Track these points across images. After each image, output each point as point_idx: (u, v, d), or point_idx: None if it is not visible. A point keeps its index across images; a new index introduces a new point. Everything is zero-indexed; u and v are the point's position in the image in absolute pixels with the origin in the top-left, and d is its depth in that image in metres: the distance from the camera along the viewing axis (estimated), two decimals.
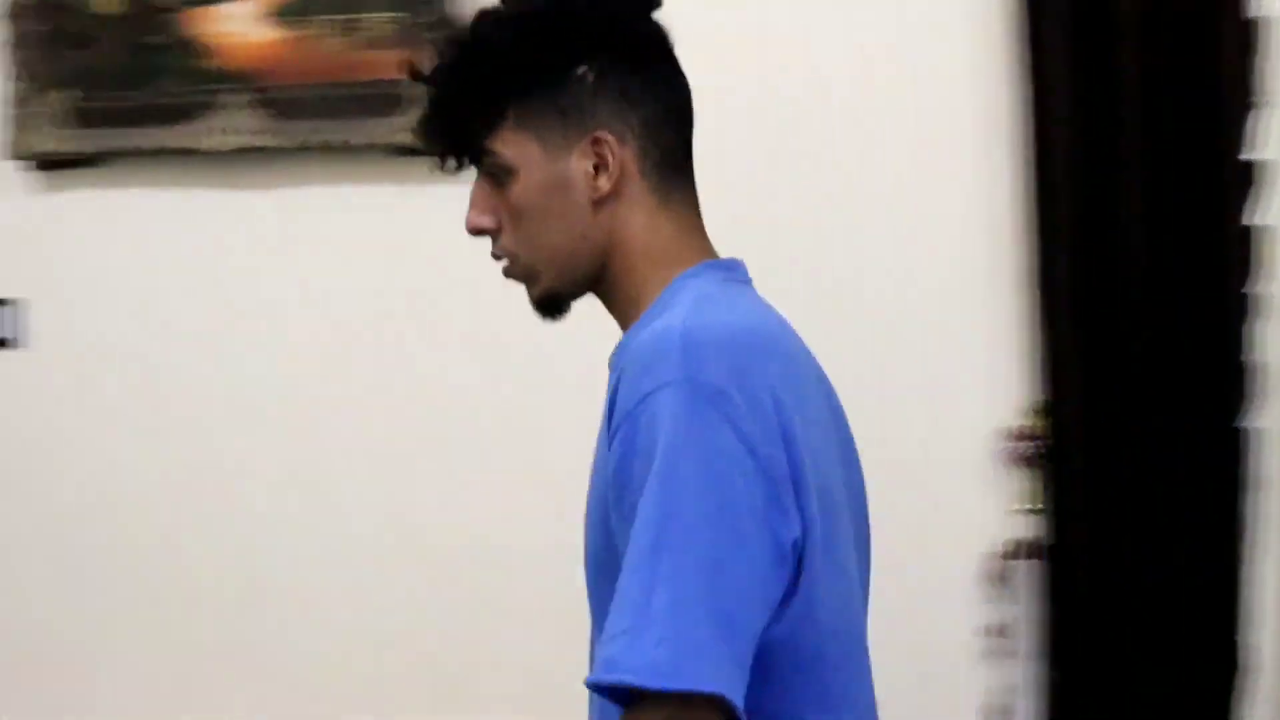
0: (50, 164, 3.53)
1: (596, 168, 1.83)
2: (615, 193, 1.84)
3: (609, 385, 1.75)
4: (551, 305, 1.90)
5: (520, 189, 1.84)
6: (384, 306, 3.43)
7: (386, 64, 3.27)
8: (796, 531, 1.67)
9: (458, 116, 1.85)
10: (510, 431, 3.39)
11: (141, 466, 3.53)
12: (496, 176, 1.85)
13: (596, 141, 1.83)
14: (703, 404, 1.65)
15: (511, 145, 1.84)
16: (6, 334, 3.59)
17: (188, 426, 3.52)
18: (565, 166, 1.84)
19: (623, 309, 1.87)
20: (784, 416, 1.69)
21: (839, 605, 1.75)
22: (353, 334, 3.44)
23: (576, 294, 1.89)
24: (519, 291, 1.90)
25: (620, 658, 1.60)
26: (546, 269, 1.87)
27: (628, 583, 1.63)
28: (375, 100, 3.29)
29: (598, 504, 1.77)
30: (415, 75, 1.87)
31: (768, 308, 1.87)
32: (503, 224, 1.87)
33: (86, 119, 3.48)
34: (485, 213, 1.87)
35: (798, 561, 1.68)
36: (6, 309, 3.59)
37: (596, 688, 1.62)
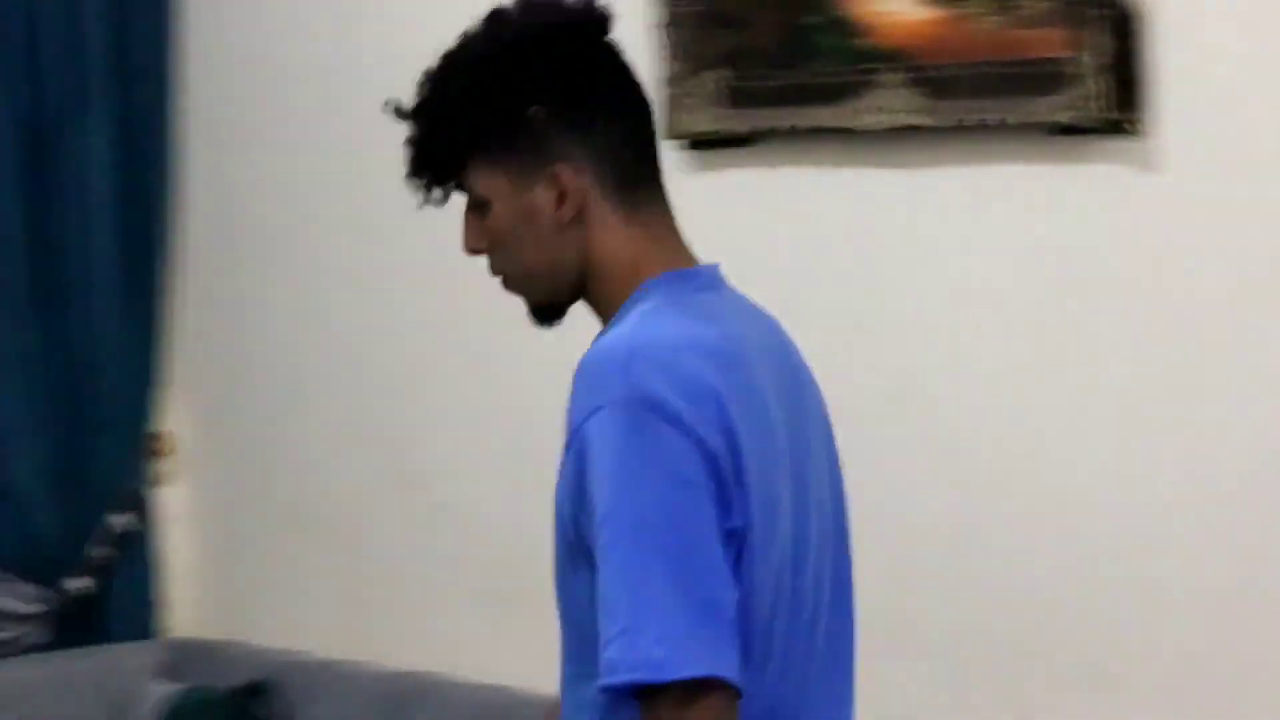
0: (703, 144, 3.54)
1: (559, 197, 2.01)
2: (579, 217, 2.01)
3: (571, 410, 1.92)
4: (543, 315, 2.11)
5: (495, 218, 2.05)
6: (1039, 295, 3.28)
7: (1045, 42, 3.14)
8: (738, 524, 1.85)
9: (432, 156, 2.06)
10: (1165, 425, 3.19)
11: None
12: (477, 206, 2.05)
13: (554, 175, 2.00)
14: (645, 414, 1.83)
15: (483, 180, 2.04)
16: None
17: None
18: (532, 197, 2.02)
19: (606, 318, 2.04)
20: (727, 420, 1.86)
21: (767, 607, 1.89)
22: (1019, 320, 3.29)
23: (566, 305, 2.09)
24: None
25: (621, 659, 1.79)
26: (531, 286, 2.08)
27: (611, 590, 1.82)
28: (1034, 79, 3.16)
29: (560, 507, 1.96)
30: (397, 113, 2.07)
31: (725, 315, 2.02)
32: (489, 246, 2.07)
33: (739, 99, 3.47)
34: (473, 237, 2.08)
35: (737, 554, 1.85)
36: None
37: (608, 690, 1.80)
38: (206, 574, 4.49)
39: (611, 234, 2.03)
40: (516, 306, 3.77)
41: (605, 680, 1.80)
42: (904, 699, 3.31)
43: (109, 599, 4.38)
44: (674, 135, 3.53)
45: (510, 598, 3.87)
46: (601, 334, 2.00)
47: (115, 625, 4.38)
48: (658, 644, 1.77)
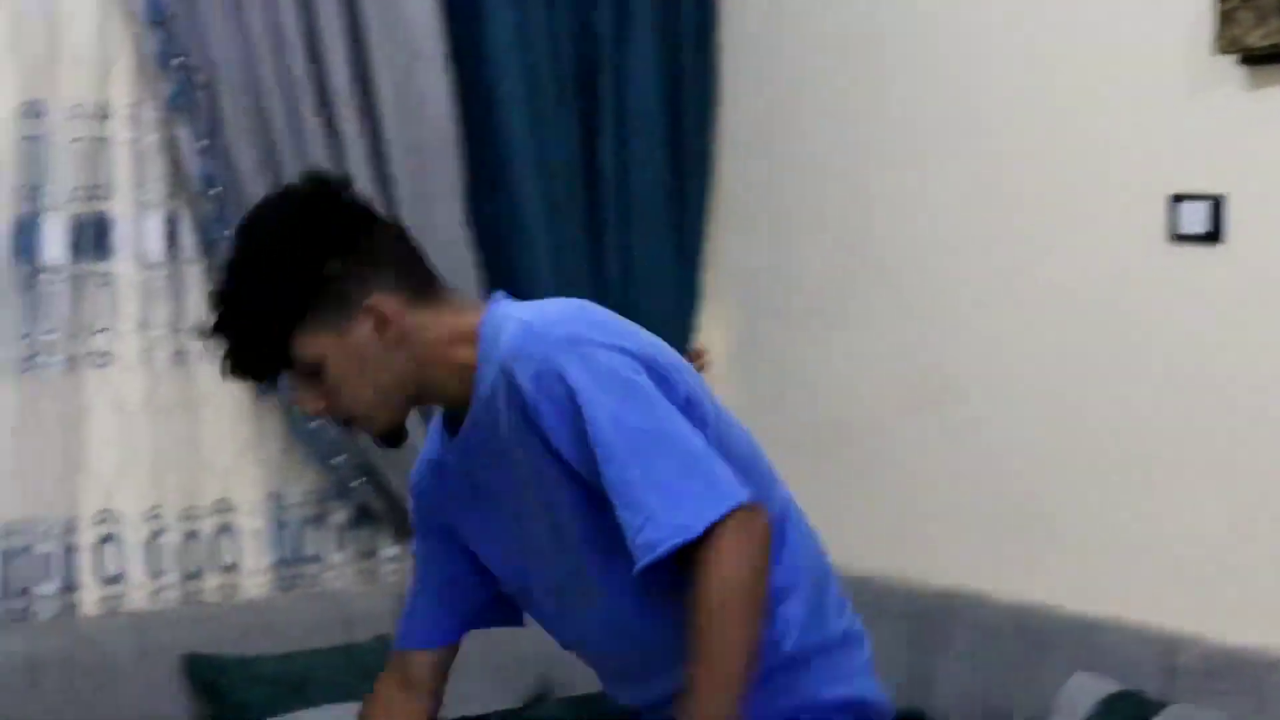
0: (1257, 58, 3.42)
1: (378, 324, 2.27)
2: (401, 333, 2.28)
3: (492, 411, 2.27)
4: (392, 439, 2.35)
5: (331, 371, 2.28)
6: None
7: None
8: (680, 399, 2.23)
9: (258, 359, 2.29)
10: None
11: None
12: (310, 372, 2.28)
13: (367, 310, 2.27)
14: (573, 346, 2.21)
15: (310, 345, 2.27)
16: (1211, 228, 3.55)
17: None
18: (357, 337, 2.28)
19: (455, 394, 2.31)
20: (642, 340, 2.28)
21: (726, 443, 2.27)
22: None
23: (405, 417, 2.34)
24: None
25: (657, 537, 2.15)
26: (377, 416, 2.33)
27: (624, 491, 2.17)
28: None
29: (555, 465, 2.25)
30: (203, 334, 2.30)
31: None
32: (329, 400, 2.30)
33: None
34: (313, 401, 2.31)
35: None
36: (1211, 204, 3.54)
37: (655, 561, 2.14)
38: None
39: (433, 328, 2.30)
40: (1054, 222, 3.76)
41: (655, 555, 2.15)
42: None
43: None
44: (1227, 49, 3.42)
45: (1039, 516, 3.84)
46: (483, 369, 2.28)
47: None
48: (676, 513, 2.15)
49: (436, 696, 2.51)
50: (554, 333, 2.23)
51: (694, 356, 4.51)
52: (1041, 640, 3.72)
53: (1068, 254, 3.77)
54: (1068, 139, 3.75)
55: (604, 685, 2.50)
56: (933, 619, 3.93)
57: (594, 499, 2.23)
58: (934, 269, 4.03)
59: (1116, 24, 3.66)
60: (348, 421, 2.35)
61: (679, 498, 2.15)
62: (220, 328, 2.28)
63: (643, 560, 2.15)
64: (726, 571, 2.14)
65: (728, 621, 2.15)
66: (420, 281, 2.33)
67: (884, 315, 4.15)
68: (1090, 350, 3.73)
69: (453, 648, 2.52)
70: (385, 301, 2.27)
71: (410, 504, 2.52)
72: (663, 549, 2.14)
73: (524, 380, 2.22)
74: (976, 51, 3.93)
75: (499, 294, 2.38)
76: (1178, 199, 3.58)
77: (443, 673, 2.51)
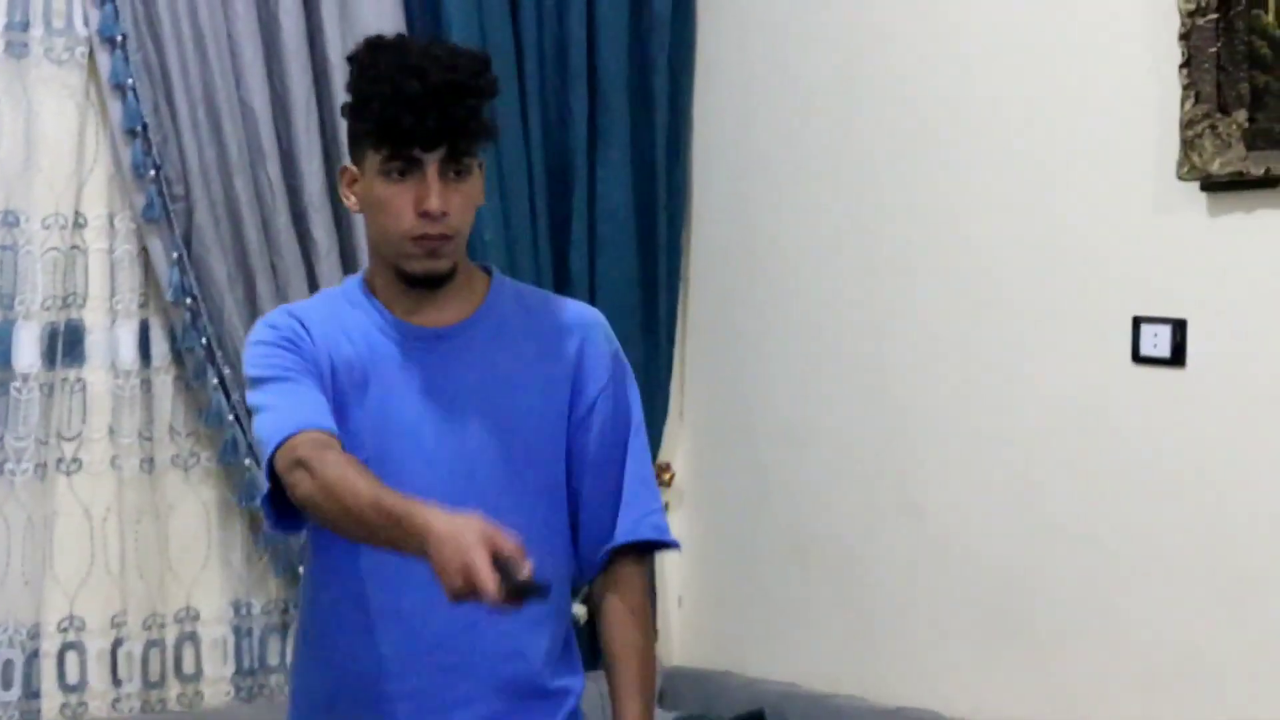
0: (1218, 185, 3.48)
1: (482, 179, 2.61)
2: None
3: (569, 343, 2.65)
4: (445, 278, 2.58)
5: (473, 183, 2.55)
6: None
7: None
8: None
9: (484, 128, 2.51)
10: None
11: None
12: (465, 171, 2.52)
13: (482, 166, 2.59)
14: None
15: (478, 152, 2.55)
16: (1166, 353, 3.60)
17: None
18: (482, 177, 2.60)
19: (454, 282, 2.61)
20: None
21: None
22: None
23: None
24: None
25: (666, 526, 2.72)
26: (461, 244, 2.58)
27: (645, 471, 2.70)
28: None
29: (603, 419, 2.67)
30: (470, 88, 2.48)
31: None
32: (453, 208, 2.52)
33: (1253, 141, 3.40)
34: (442, 201, 2.50)
35: None
36: (1171, 327, 3.59)
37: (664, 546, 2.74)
38: (703, 604, 4.58)
39: None
40: (1022, 341, 3.80)
41: (670, 539, 2.72)
42: None
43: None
44: (1188, 176, 3.49)
45: (1009, 636, 3.86)
46: (521, 293, 2.71)
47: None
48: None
49: None
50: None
51: (659, 471, 4.53)
52: None
53: (1038, 371, 3.81)
54: (1037, 258, 3.80)
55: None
56: None
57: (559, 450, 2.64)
58: (904, 384, 4.06)
59: (1085, 148, 3.72)
60: (444, 236, 2.53)
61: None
62: (473, 80, 2.48)
63: (662, 536, 2.70)
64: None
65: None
66: None
67: (853, 429, 4.18)
68: (1059, 466, 3.76)
69: None
70: None
71: (272, 335, 2.57)
72: (669, 538, 2.71)
73: (602, 327, 2.68)
74: (950, 171, 3.98)
75: None
76: (1140, 321, 3.63)
77: None
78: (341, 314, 2.62)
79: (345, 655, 2.60)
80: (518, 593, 2.18)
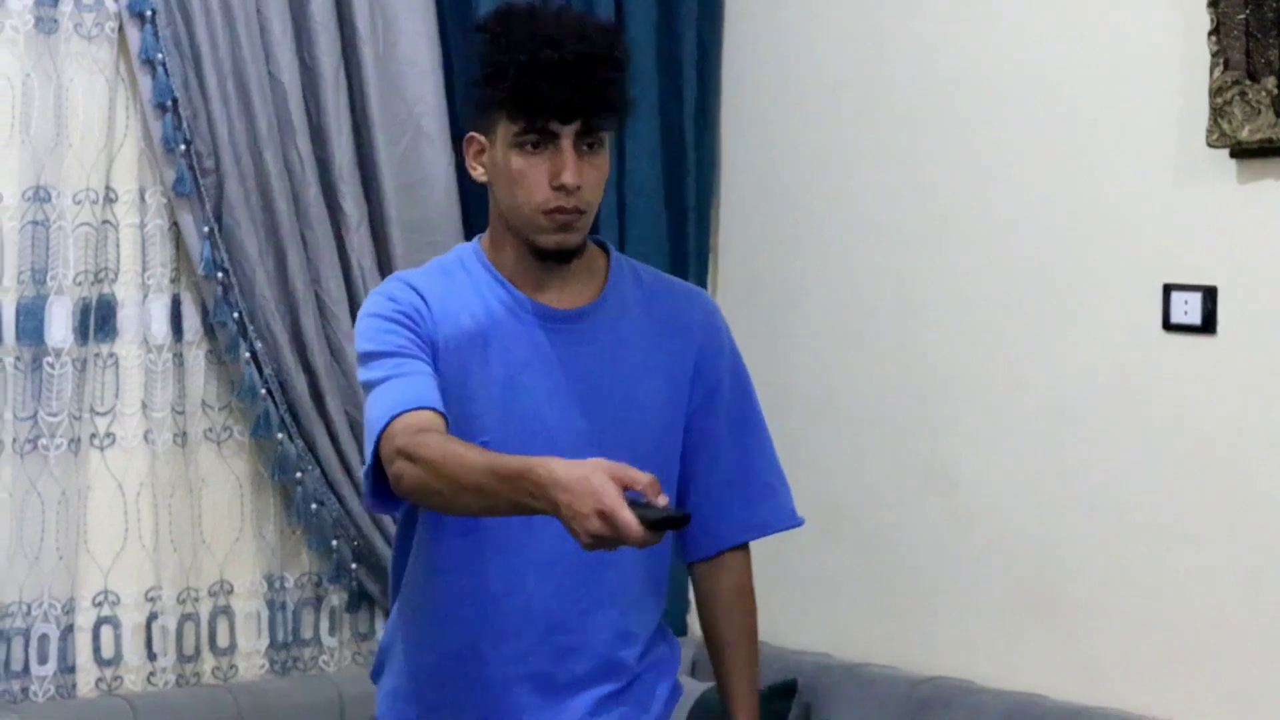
0: (1248, 152, 3.47)
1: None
2: None
3: (690, 327, 2.66)
4: (575, 253, 2.56)
5: (607, 155, 2.52)
6: None
7: None
8: None
9: (624, 99, 2.51)
10: None
11: None
12: (598, 145, 2.50)
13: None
14: None
15: (609, 129, 2.53)
16: (1203, 318, 3.59)
17: None
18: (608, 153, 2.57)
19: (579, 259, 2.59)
20: None
21: None
22: None
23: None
24: None
25: (792, 504, 2.80)
26: (590, 220, 2.54)
27: (769, 449, 2.78)
28: None
29: (674, 391, 2.63)
30: (606, 60, 2.46)
31: None
32: (586, 183, 2.49)
33: None
34: (575, 175, 2.46)
35: None
36: (1201, 294, 3.58)
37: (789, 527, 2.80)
38: None
39: None
40: (1052, 310, 3.80)
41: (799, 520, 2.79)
42: None
43: None
44: (1218, 144, 3.48)
45: (1036, 605, 3.86)
46: (633, 272, 2.67)
47: None
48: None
49: None
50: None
51: None
52: None
53: (1068, 340, 3.81)
54: (1067, 227, 3.80)
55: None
56: (927, 706, 3.93)
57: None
58: (934, 354, 4.06)
59: (1114, 117, 3.71)
60: (578, 210, 2.51)
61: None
62: (609, 51, 2.48)
63: (796, 523, 2.79)
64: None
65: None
66: None
67: (883, 399, 4.18)
68: (1089, 435, 3.76)
69: None
70: None
71: (390, 309, 2.52)
72: (800, 520, 2.80)
73: (718, 312, 2.71)
74: (980, 140, 3.98)
75: None
76: (1171, 289, 3.63)
77: None
78: (462, 287, 2.57)
79: (461, 636, 2.58)
80: (658, 525, 2.12)
